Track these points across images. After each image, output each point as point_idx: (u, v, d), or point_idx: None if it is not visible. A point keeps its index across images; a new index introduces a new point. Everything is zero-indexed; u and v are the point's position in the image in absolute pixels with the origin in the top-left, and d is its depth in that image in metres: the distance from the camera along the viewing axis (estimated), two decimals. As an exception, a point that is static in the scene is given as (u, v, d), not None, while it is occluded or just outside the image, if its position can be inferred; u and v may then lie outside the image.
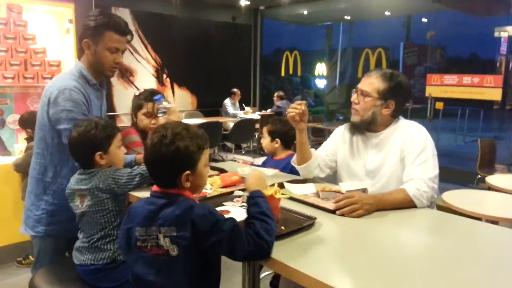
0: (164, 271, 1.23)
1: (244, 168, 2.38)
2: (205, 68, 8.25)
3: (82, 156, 1.74)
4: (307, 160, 2.09)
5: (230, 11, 8.84)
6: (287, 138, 2.65)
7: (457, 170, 6.94)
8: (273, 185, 1.59)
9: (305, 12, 9.26)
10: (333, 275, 1.15)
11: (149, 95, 2.37)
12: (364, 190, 1.79)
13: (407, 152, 1.87)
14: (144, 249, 1.25)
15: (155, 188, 1.32)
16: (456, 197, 2.90)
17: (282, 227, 1.43)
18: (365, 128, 1.97)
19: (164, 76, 7.86)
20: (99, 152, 1.71)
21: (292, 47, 9.57)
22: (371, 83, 1.92)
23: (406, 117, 2.04)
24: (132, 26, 7.24)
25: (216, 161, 5.96)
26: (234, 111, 8.18)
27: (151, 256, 1.24)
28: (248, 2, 8.63)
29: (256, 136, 7.79)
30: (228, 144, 7.95)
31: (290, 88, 13.19)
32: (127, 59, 7.26)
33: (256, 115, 7.87)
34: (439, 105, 6.28)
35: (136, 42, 7.37)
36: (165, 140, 1.25)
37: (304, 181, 2.05)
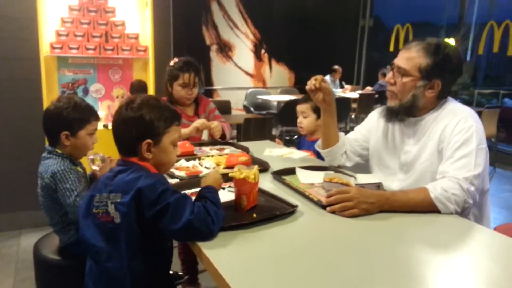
0: (111, 238, 1.19)
1: (273, 149, 2.18)
2: (305, 43, 7.94)
3: (50, 131, 1.68)
4: (332, 144, 1.81)
5: (336, -19, 8.30)
6: None
7: None
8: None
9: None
10: (256, 281, 0.93)
11: (184, 66, 2.32)
12: (379, 186, 1.47)
13: (446, 143, 1.48)
14: (97, 216, 1.22)
15: (119, 157, 1.30)
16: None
17: (254, 215, 1.27)
18: (404, 113, 1.61)
19: (263, 51, 7.79)
20: (66, 132, 1.64)
21: (408, 19, 8.59)
22: (411, 58, 1.54)
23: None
24: (233, 1, 7.30)
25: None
26: (333, 88, 7.78)
27: (102, 222, 1.21)
28: (357, -29, 8.01)
29: (353, 116, 7.32)
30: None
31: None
32: (227, 34, 7.37)
33: (355, 94, 7.37)
34: None
35: (236, 16, 7.40)
36: (132, 104, 1.24)
37: (324, 168, 1.78)
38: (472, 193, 1.36)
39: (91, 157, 1.78)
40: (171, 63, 2.37)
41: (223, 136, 2.28)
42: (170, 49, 4.00)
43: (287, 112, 6.20)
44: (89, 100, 3.82)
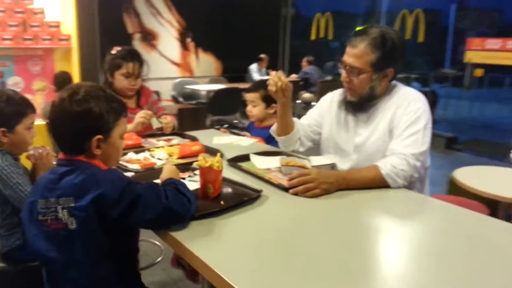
0: (64, 247, 1.09)
1: (221, 137, 2.19)
2: (232, 32, 7.92)
3: None
4: (288, 132, 1.85)
5: (258, -30, 8.37)
6: None
7: (495, 144, 6.40)
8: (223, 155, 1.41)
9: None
10: (241, 266, 0.96)
11: (128, 55, 2.23)
12: (333, 167, 1.56)
13: (396, 123, 1.59)
14: (44, 224, 1.11)
15: (60, 155, 1.16)
16: (470, 174, 2.58)
17: (222, 202, 1.28)
18: (364, 103, 1.67)
19: (189, 40, 7.66)
20: (2, 129, 1.54)
21: (325, 8, 8.94)
22: (360, 56, 1.58)
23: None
24: (156, -14, 7.04)
25: (240, 128, 5.78)
26: (259, 77, 7.89)
27: (51, 231, 1.10)
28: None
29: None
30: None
31: (327, 54, 12.50)
32: (150, 22, 7.12)
33: (282, 81, 7.53)
34: (478, 72, 5.71)
35: (159, 3, 7.16)
36: (76, 96, 1.10)
37: (276, 153, 1.83)
38: (418, 168, 1.49)
39: (32, 152, 1.65)
40: (113, 51, 2.24)
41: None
42: (95, 37, 3.78)
43: (218, 102, 6.20)
44: (7, 94, 3.50)
